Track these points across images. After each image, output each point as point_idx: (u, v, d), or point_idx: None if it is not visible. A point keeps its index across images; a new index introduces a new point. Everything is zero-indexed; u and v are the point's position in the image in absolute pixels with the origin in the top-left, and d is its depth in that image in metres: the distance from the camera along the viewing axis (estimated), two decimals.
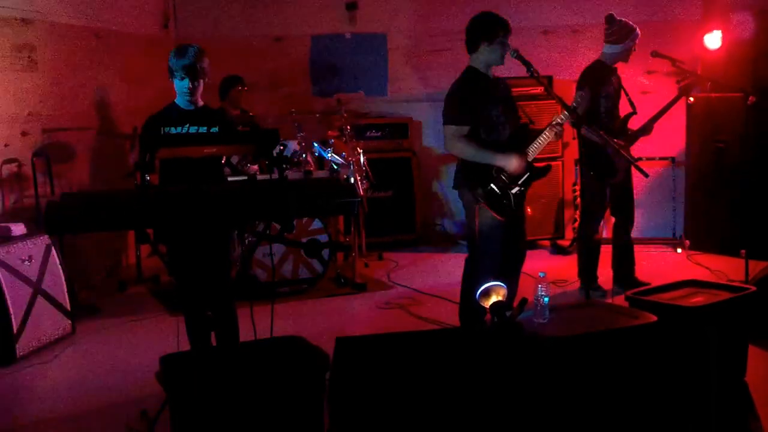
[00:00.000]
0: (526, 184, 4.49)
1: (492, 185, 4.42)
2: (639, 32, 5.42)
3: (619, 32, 5.42)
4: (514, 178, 4.44)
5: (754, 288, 4.22)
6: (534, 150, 4.50)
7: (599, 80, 5.43)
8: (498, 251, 4.52)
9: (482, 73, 4.53)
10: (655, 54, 5.62)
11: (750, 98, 5.55)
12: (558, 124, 4.50)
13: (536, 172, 4.52)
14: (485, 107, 4.47)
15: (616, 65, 5.55)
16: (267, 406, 3.17)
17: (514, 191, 4.45)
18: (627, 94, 5.61)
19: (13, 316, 4.66)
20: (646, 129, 5.56)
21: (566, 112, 4.52)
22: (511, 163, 4.40)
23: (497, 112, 4.51)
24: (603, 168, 5.45)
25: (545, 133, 4.49)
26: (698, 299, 4.03)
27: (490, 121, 4.48)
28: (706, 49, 6.92)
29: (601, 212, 5.70)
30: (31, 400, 4.24)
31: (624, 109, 5.61)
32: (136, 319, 5.54)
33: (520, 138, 4.58)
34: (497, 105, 4.53)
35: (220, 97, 6.73)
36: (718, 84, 6.65)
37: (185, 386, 3.12)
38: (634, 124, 5.61)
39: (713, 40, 6.83)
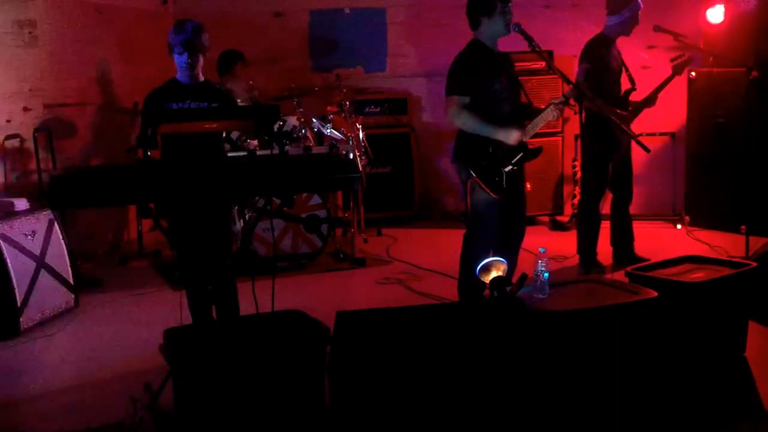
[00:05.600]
0: (519, 163, 4.48)
1: (485, 162, 4.42)
2: (640, 3, 5.39)
3: (616, 2, 5.39)
4: (507, 157, 4.44)
5: (754, 264, 4.23)
6: (533, 127, 4.49)
7: (601, 54, 5.41)
8: (493, 228, 4.53)
9: (487, 47, 4.51)
10: (657, 28, 5.59)
11: (752, 73, 5.53)
12: (561, 102, 4.49)
13: (529, 152, 4.51)
14: (488, 80, 4.45)
15: (617, 39, 5.53)
16: (268, 379, 3.21)
17: (506, 170, 4.45)
18: (627, 70, 5.60)
19: (16, 290, 4.70)
20: (648, 101, 5.55)
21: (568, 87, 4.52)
22: (512, 136, 4.39)
23: (500, 87, 4.50)
24: (607, 142, 5.45)
25: (546, 112, 4.47)
26: (698, 275, 4.05)
27: (492, 95, 4.47)
28: (708, 24, 6.90)
29: (602, 188, 5.70)
30: (35, 373, 4.27)
31: (624, 84, 5.60)
32: (138, 293, 5.57)
33: (520, 115, 4.58)
34: (500, 79, 4.51)
35: (219, 72, 6.71)
36: (720, 59, 6.63)
37: (188, 359, 3.16)
38: (633, 99, 5.60)
39: (716, 14, 6.80)
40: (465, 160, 4.44)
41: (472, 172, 4.40)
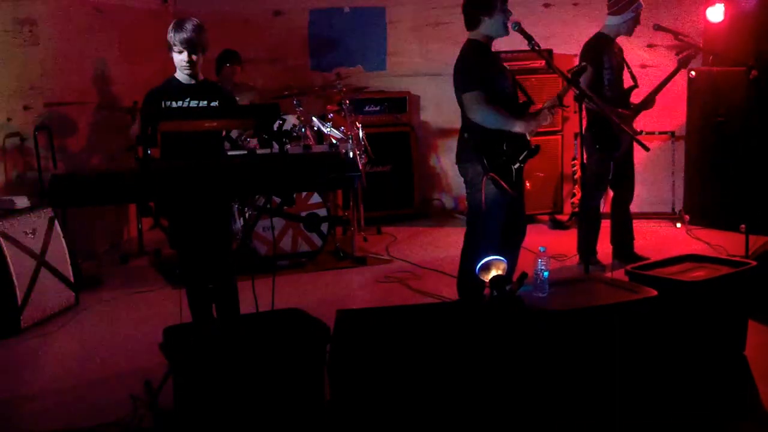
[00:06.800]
0: (524, 161, 4.49)
1: (503, 158, 4.41)
2: (642, 4, 5.40)
3: (620, 2, 5.39)
4: (516, 154, 4.44)
5: (754, 263, 4.23)
6: (533, 128, 4.49)
7: (602, 53, 5.41)
8: (501, 225, 4.53)
9: (487, 46, 4.51)
10: (658, 27, 5.58)
11: (752, 72, 5.52)
12: (549, 107, 4.49)
13: (532, 150, 4.50)
14: (497, 78, 4.45)
15: (617, 38, 5.53)
16: (268, 377, 3.21)
17: (515, 167, 4.45)
18: (629, 67, 5.60)
19: (17, 288, 4.70)
20: (647, 103, 5.55)
21: (567, 85, 4.51)
22: (530, 126, 4.38)
23: (507, 84, 4.50)
24: (608, 141, 5.45)
25: (539, 117, 4.47)
26: (698, 274, 4.05)
27: (502, 92, 4.46)
28: (708, 22, 6.89)
29: (603, 187, 5.71)
30: (35, 371, 4.28)
31: (626, 82, 5.60)
32: (138, 292, 5.57)
33: (523, 113, 4.58)
34: (506, 77, 4.52)
35: (216, 73, 6.71)
36: (720, 57, 6.63)
37: (188, 357, 3.16)
38: (635, 98, 5.60)
39: (716, 13, 6.79)
40: (479, 157, 4.39)
41: (490, 168, 4.37)
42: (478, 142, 4.42)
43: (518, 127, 4.38)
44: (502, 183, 4.37)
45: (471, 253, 4.60)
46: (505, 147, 4.40)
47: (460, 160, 4.60)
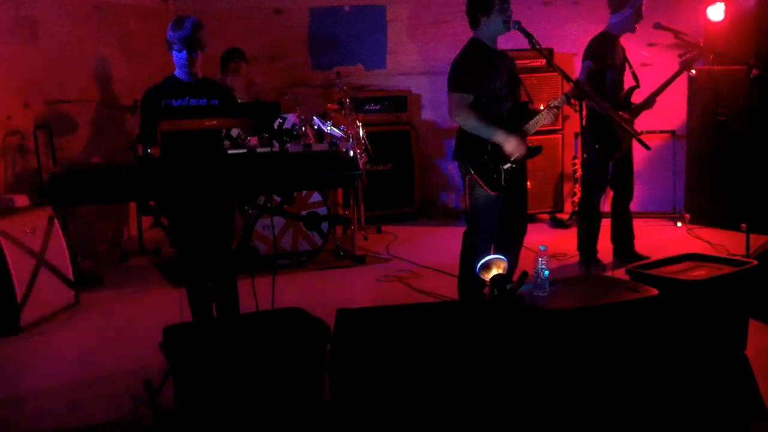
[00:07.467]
0: (518, 161, 4.48)
1: (484, 157, 4.42)
2: None
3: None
4: (506, 155, 4.43)
5: (754, 262, 4.22)
6: (530, 128, 4.48)
7: (604, 51, 5.40)
8: (492, 225, 4.52)
9: (487, 46, 4.50)
10: (658, 26, 5.57)
11: (753, 71, 5.52)
12: (556, 106, 4.49)
13: (529, 151, 4.50)
14: (489, 78, 4.45)
15: (621, 36, 5.53)
16: (268, 376, 3.21)
17: (505, 167, 4.44)
18: (631, 67, 5.59)
19: (17, 287, 4.70)
20: (648, 103, 5.55)
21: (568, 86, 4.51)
22: (510, 144, 4.38)
23: (500, 84, 4.49)
24: (609, 141, 5.45)
25: (540, 116, 4.47)
26: (699, 273, 4.04)
27: (493, 92, 4.46)
28: (709, 21, 6.89)
29: (603, 186, 5.71)
30: (35, 370, 4.27)
31: (627, 81, 5.60)
32: (138, 290, 5.57)
33: (519, 114, 4.57)
34: (501, 77, 4.51)
35: (221, 71, 6.72)
36: (720, 56, 6.62)
37: (188, 356, 3.16)
38: (636, 97, 5.60)
39: (716, 12, 6.79)
40: (464, 156, 4.44)
41: (470, 168, 4.40)
42: (465, 142, 4.44)
43: (497, 138, 4.37)
44: (482, 183, 4.38)
45: (467, 252, 4.60)
46: (490, 147, 4.40)
47: (454, 157, 4.61)
